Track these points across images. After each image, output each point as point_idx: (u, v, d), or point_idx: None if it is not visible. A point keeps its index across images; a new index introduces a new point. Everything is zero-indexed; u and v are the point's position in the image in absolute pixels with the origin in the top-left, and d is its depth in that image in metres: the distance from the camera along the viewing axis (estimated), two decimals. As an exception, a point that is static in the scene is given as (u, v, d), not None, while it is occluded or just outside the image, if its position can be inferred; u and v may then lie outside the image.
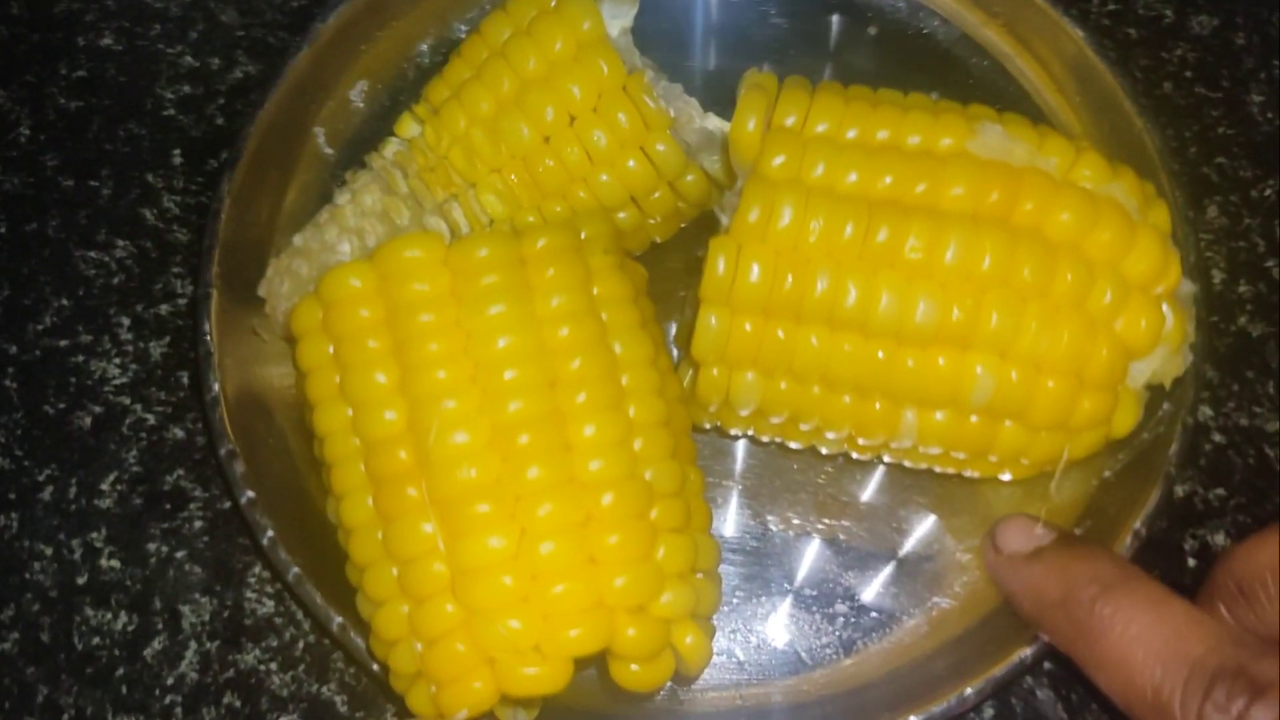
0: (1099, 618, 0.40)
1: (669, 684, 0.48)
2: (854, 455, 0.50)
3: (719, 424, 0.50)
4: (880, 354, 0.44)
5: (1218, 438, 0.56)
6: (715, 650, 0.50)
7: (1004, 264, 0.43)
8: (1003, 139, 0.45)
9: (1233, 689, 0.36)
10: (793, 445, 0.51)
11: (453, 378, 0.42)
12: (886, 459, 0.51)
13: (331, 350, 0.44)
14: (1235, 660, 0.37)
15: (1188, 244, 0.52)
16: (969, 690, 0.46)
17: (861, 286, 0.43)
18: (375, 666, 0.45)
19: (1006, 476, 0.49)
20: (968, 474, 0.50)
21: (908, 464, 0.50)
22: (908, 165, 0.44)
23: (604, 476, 0.42)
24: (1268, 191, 0.61)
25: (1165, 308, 0.45)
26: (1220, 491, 0.54)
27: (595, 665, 0.46)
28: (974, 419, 0.45)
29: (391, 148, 0.53)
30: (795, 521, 0.53)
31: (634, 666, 0.42)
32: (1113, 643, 0.39)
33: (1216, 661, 0.37)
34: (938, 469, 0.50)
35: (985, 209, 0.44)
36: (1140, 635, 0.39)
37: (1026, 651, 0.46)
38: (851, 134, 0.45)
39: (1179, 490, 0.54)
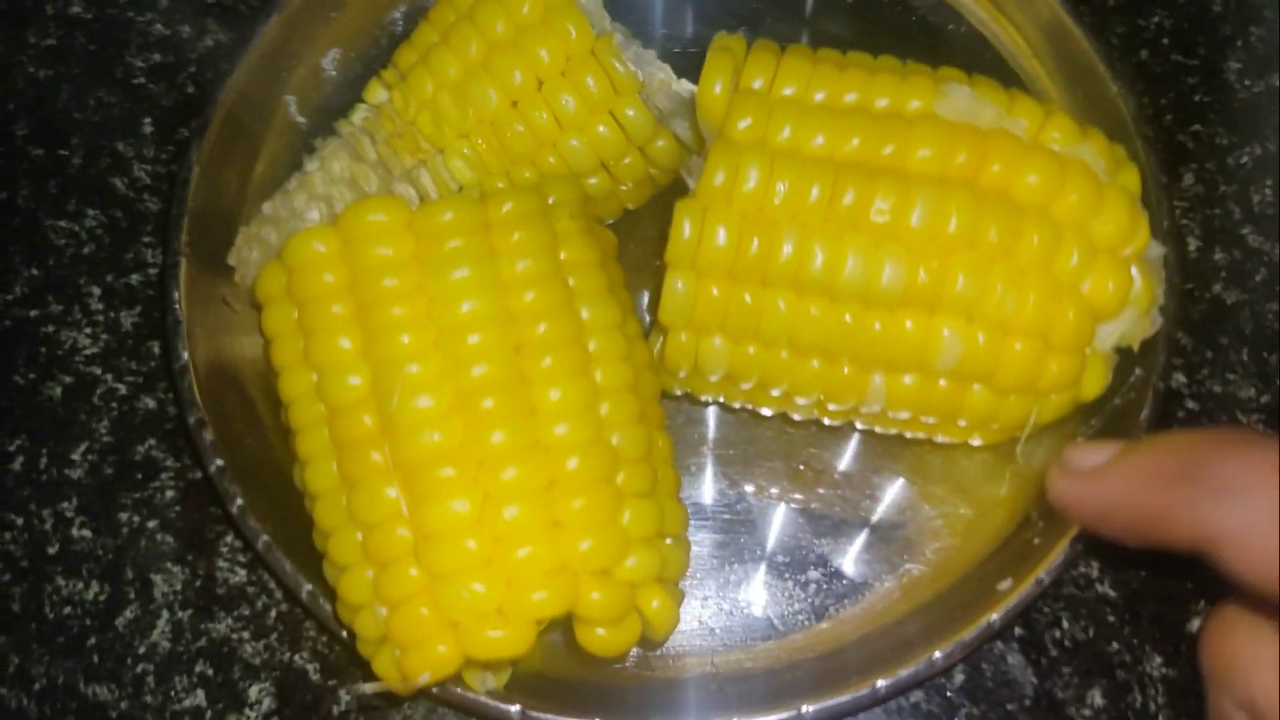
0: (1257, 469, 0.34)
1: (637, 649, 0.48)
2: (825, 421, 0.50)
3: (689, 391, 0.50)
4: (847, 317, 0.44)
5: (1191, 404, 0.56)
6: (687, 616, 0.50)
7: (970, 226, 0.43)
8: (971, 101, 0.45)
9: None
10: (764, 412, 0.50)
11: (416, 342, 0.42)
12: (858, 425, 0.51)
13: (296, 316, 0.44)
14: None
15: (1161, 209, 0.52)
16: (938, 654, 0.46)
17: (828, 249, 0.43)
18: (344, 633, 0.45)
19: (977, 441, 0.49)
20: (939, 439, 0.50)
21: (879, 430, 0.50)
22: (875, 127, 0.44)
23: (569, 441, 0.41)
24: (1244, 159, 0.61)
25: (1133, 270, 0.44)
26: (1193, 458, 0.54)
27: (562, 631, 0.46)
28: (942, 383, 0.45)
29: (360, 114, 0.53)
30: (768, 489, 0.53)
31: (599, 630, 0.42)
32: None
33: None
34: (909, 435, 0.50)
35: (952, 171, 0.43)
36: None
37: (995, 616, 0.46)
38: (819, 96, 0.45)
39: (1152, 456, 0.54)
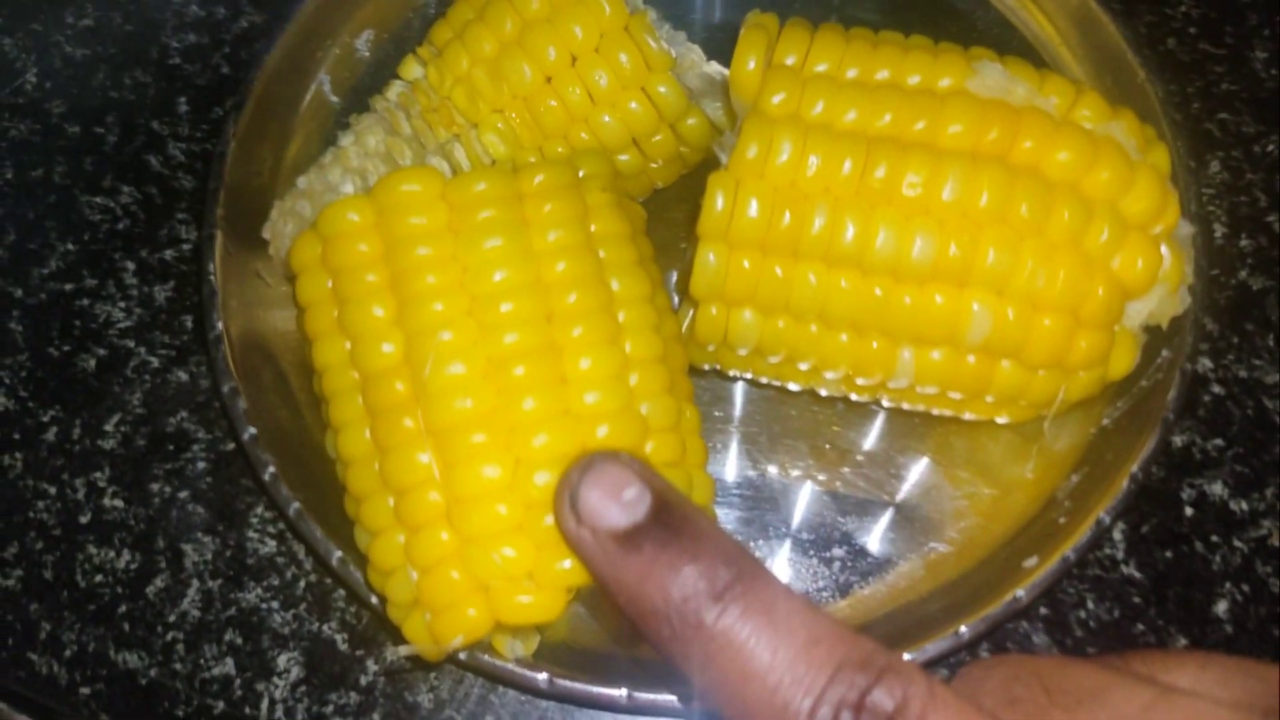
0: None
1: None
2: (852, 397, 0.50)
3: (718, 364, 0.50)
4: (877, 291, 0.44)
5: (1217, 389, 0.56)
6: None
7: (1001, 201, 0.43)
8: (1003, 78, 0.45)
9: None
10: (791, 386, 0.51)
11: (449, 310, 0.42)
12: (885, 402, 0.51)
13: (330, 284, 0.44)
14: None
15: (1189, 194, 0.52)
16: (964, 629, 0.46)
17: (859, 223, 0.43)
18: (374, 600, 0.46)
19: (1003, 420, 0.49)
20: (966, 416, 0.50)
21: (906, 406, 0.50)
22: (907, 103, 0.44)
23: (599, 409, 0.42)
24: (1270, 147, 0.61)
25: (1163, 248, 0.45)
26: (1218, 442, 0.54)
27: (589, 603, 0.46)
28: (971, 358, 0.45)
29: (395, 89, 0.53)
30: (793, 467, 0.53)
31: (628, 597, 0.42)
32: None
33: None
34: (935, 411, 0.50)
35: (984, 147, 0.44)
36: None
37: (1021, 591, 0.46)
38: (851, 73, 0.45)
39: (1178, 440, 0.54)
